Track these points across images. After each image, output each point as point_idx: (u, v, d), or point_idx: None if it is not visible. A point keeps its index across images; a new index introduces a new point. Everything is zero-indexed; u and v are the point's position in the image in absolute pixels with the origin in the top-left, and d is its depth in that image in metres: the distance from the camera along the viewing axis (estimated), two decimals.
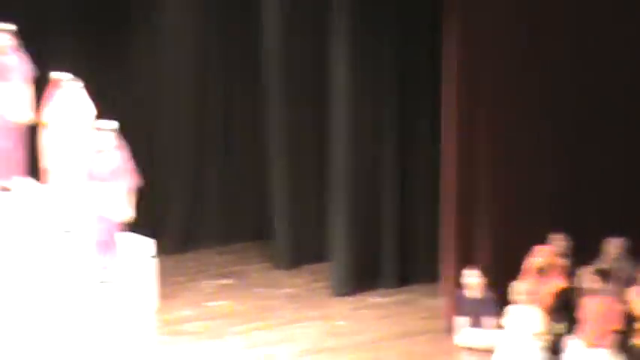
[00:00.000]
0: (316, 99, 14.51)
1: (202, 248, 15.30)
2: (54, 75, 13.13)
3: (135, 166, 12.75)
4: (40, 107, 13.15)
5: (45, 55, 13.93)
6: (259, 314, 13.23)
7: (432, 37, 13.44)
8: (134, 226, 13.09)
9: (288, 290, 14.00)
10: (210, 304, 13.56)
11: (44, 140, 13.17)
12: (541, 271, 11.68)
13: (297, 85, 14.65)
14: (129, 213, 12.54)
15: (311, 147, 14.67)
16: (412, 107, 13.85)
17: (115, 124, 12.58)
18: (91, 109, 13.18)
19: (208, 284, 14.24)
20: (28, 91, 13.42)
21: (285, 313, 13.25)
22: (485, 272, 12.19)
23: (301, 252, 14.76)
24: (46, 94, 13.12)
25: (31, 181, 13.86)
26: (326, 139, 14.02)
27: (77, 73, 13.32)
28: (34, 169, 13.72)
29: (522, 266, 11.82)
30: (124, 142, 12.70)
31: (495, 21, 12.33)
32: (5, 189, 13.42)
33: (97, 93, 13.46)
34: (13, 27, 13.36)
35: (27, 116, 13.38)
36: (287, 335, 12.53)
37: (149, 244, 13.27)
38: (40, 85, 13.51)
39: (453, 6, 12.38)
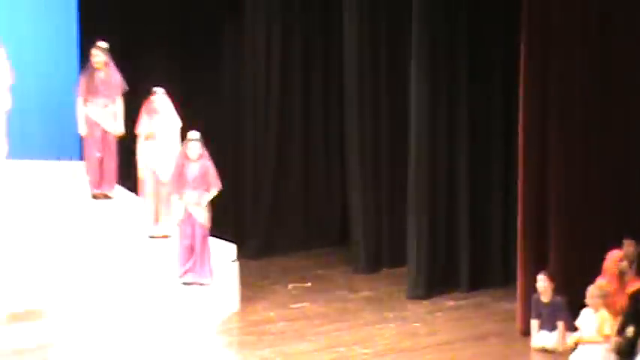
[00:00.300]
0: (394, 107, 14.49)
1: (285, 253, 15.27)
2: (151, 89, 13.35)
3: (219, 173, 12.97)
4: (138, 119, 13.39)
5: (136, 70, 14.09)
6: (339, 316, 13.14)
7: (506, 41, 13.33)
8: (218, 231, 13.30)
9: (366, 293, 13.93)
10: (292, 306, 13.54)
11: (140, 151, 13.42)
12: (622, 275, 11.60)
13: (376, 94, 14.64)
14: (210, 218, 12.81)
15: (389, 154, 14.62)
16: (486, 113, 13.77)
17: (199, 134, 12.85)
18: (178, 120, 13.42)
19: (291, 287, 14.21)
20: (121, 105, 13.72)
21: (363, 314, 13.16)
22: (558, 275, 12.05)
23: (379, 257, 14.72)
24: (143, 107, 13.36)
25: (123, 189, 14.17)
26: (404, 147, 13.96)
27: (166, 87, 13.49)
28: (128, 179, 14.00)
29: (601, 269, 11.67)
30: (209, 151, 12.95)
31: (570, 22, 12.13)
32: (106, 196, 13.77)
33: (184, 105, 13.61)
34: (106, 45, 13.64)
35: (120, 128, 13.66)
36: (365, 336, 12.45)
37: (231, 249, 13.48)
38: (132, 99, 13.73)
39: (531, 9, 12.16)
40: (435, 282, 13.75)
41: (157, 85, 13.37)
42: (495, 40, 13.59)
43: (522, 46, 12.24)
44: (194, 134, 12.83)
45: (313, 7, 15.51)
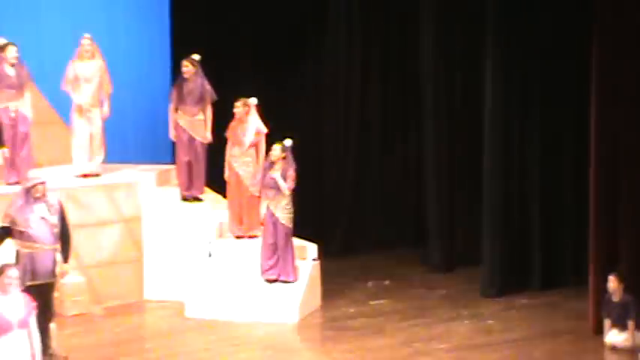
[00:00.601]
0: (468, 111, 14.60)
1: (364, 253, 15.39)
2: (240, 98, 13.53)
3: (303, 177, 13.21)
4: (230, 127, 13.57)
5: (225, 79, 14.21)
6: (416, 312, 13.23)
7: (579, 49, 13.33)
8: (301, 231, 13.47)
9: (442, 291, 14.04)
10: (371, 302, 13.65)
11: (228, 155, 13.61)
12: None
13: (452, 100, 14.77)
14: (292, 219, 12.98)
15: (464, 156, 14.72)
16: (557, 116, 13.79)
17: (288, 142, 13.10)
18: (263, 127, 13.58)
19: (370, 285, 14.32)
20: (210, 114, 13.89)
21: (439, 312, 13.25)
22: (630, 275, 12.01)
23: (454, 257, 14.84)
24: (235, 115, 13.54)
25: (210, 192, 14.35)
26: (478, 149, 14.02)
27: (252, 95, 13.66)
28: (217, 182, 14.14)
29: None
30: (293, 155, 13.16)
31: None
32: (196, 199, 13.99)
33: (269, 112, 13.73)
34: (198, 56, 13.81)
35: (208, 136, 13.86)
36: (441, 332, 12.53)
37: (313, 248, 13.65)
38: (221, 106, 13.89)
39: (605, 15, 12.16)
40: (509, 281, 13.80)
41: (244, 94, 13.59)
42: (569, 48, 13.66)
43: (595, 48, 12.27)
44: (287, 142, 13.07)
45: (391, 20, 15.68)
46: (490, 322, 12.88)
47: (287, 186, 13.06)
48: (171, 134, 13.94)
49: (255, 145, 13.58)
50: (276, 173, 13.07)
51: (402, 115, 15.90)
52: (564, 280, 13.92)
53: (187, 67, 13.73)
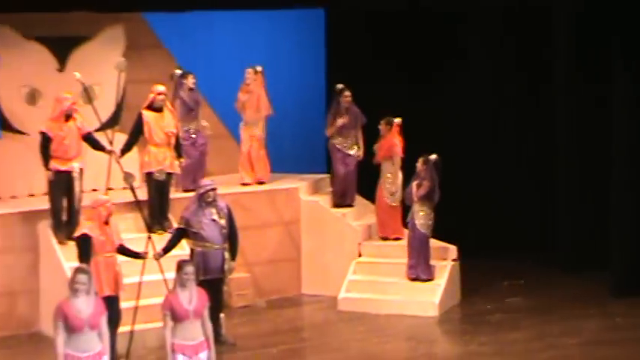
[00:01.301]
0: (596, 117, 14.35)
1: (500, 254, 15.09)
2: (386, 118, 13.65)
3: (442, 186, 13.22)
4: (378, 144, 13.74)
5: (373, 102, 14.19)
6: (548, 310, 13.11)
7: None
8: (443, 234, 13.52)
9: (572, 290, 13.84)
10: (507, 300, 13.58)
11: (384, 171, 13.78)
12: None
13: (580, 107, 14.57)
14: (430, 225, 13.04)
15: (592, 160, 14.44)
16: None
17: (433, 155, 13.16)
18: (399, 149, 13.65)
19: (506, 284, 14.23)
20: (361, 134, 14.05)
21: (569, 309, 13.09)
22: None
23: (584, 258, 14.56)
24: (381, 132, 13.73)
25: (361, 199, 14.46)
26: (606, 154, 13.82)
27: (397, 116, 13.74)
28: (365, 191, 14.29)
29: None
30: (435, 168, 13.16)
31: None
32: (348, 205, 14.17)
33: (413, 129, 13.76)
34: (340, 86, 13.98)
35: (360, 153, 14.01)
36: (571, 328, 12.38)
37: (453, 250, 13.59)
38: (370, 127, 14.03)
39: None
40: (637, 282, 13.55)
41: (392, 115, 13.70)
42: None
43: None
44: (432, 156, 13.13)
45: (524, 42, 15.56)
46: (618, 319, 12.74)
47: (418, 194, 13.09)
48: (328, 149, 14.16)
49: (397, 159, 13.68)
50: (413, 183, 13.20)
51: (533, 124, 15.73)
52: None
53: (347, 98, 13.97)
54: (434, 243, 13.44)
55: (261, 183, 14.18)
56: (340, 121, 13.96)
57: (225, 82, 14.50)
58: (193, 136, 13.71)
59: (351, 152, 14.07)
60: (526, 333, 12.35)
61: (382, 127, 13.66)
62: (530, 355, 11.63)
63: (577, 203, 14.74)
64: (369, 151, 13.98)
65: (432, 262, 13.33)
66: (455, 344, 12.48)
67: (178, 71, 13.78)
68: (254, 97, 14.12)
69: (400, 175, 13.61)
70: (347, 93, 13.96)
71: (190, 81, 13.66)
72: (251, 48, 15.20)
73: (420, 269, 13.24)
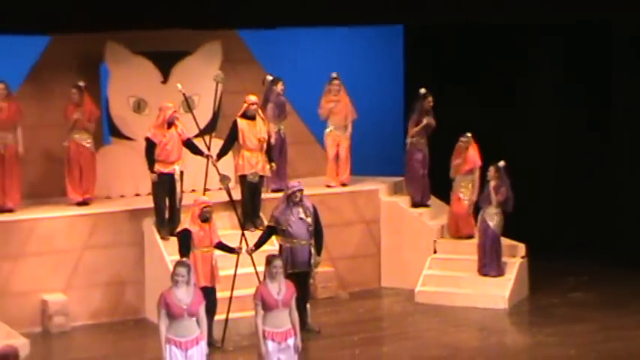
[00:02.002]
0: None
1: (565, 252, 14.98)
2: (467, 135, 13.59)
3: (512, 191, 13.21)
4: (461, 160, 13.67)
5: (450, 111, 14.21)
6: (611, 304, 13.02)
7: None
8: (513, 233, 13.51)
9: (635, 287, 13.63)
10: (571, 295, 13.53)
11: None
12: None
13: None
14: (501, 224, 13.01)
15: None
16: None
17: (501, 162, 13.17)
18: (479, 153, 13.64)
19: (571, 280, 14.11)
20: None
21: (631, 304, 12.93)
22: None
23: None
24: (461, 150, 13.63)
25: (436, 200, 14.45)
26: None
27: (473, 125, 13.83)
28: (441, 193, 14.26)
29: None
30: (507, 175, 13.22)
31: None
32: (424, 205, 14.14)
33: (486, 138, 13.75)
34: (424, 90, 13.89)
35: None
36: (633, 322, 12.24)
37: (522, 248, 13.58)
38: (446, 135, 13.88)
39: None
40: None
41: (467, 123, 13.79)
42: None
43: None
44: (500, 163, 13.12)
45: (591, 67, 15.48)
46: None
47: (497, 199, 13.10)
48: (407, 153, 14.11)
49: (477, 169, 13.62)
50: (490, 188, 13.17)
51: (599, 133, 15.60)
52: None
53: (430, 103, 13.91)
54: (504, 241, 13.41)
55: (344, 185, 14.26)
56: (426, 120, 13.88)
57: (309, 92, 14.47)
58: (282, 135, 13.80)
59: (427, 153, 14.02)
60: (589, 325, 12.30)
61: (461, 143, 13.62)
62: (593, 346, 11.57)
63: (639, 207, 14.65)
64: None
65: (503, 259, 13.33)
66: (523, 334, 12.45)
67: (270, 77, 13.81)
68: (341, 104, 14.12)
69: (478, 182, 13.59)
70: (430, 98, 13.91)
71: (279, 87, 13.74)
72: (333, 60, 15.26)
73: (492, 267, 13.25)
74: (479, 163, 13.61)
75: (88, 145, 13.10)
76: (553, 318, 12.63)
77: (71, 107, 13.10)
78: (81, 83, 13.09)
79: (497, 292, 13.13)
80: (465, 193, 13.70)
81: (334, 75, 14.08)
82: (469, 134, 13.62)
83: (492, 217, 13.24)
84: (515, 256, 13.54)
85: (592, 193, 15.65)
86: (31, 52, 13.51)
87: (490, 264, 13.26)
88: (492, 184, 13.25)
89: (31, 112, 13.19)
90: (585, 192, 15.68)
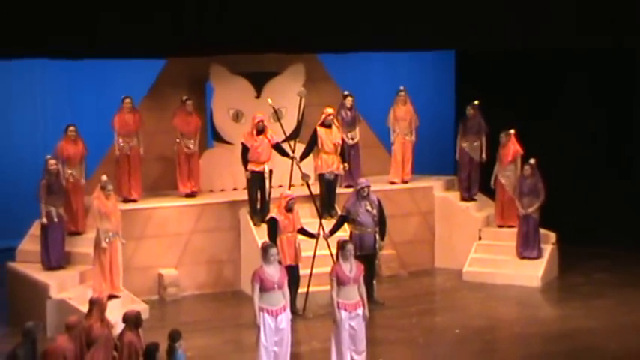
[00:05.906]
0: None
1: (592, 239, 14.54)
2: (505, 130, 13.39)
3: (549, 185, 13.03)
4: (502, 152, 13.46)
5: (495, 116, 13.86)
6: (630, 283, 12.71)
7: None
8: (547, 222, 13.31)
9: None
10: (594, 275, 13.32)
11: (497, 170, 13.58)
12: None
13: None
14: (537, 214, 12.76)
15: None
16: None
17: (532, 160, 12.98)
18: (520, 149, 13.47)
19: (594, 263, 13.83)
20: (484, 142, 13.67)
21: None
22: None
23: None
24: (504, 143, 13.42)
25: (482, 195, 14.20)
26: None
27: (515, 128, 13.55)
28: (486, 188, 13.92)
29: None
30: (539, 171, 13.04)
31: None
32: (472, 199, 13.93)
33: (526, 139, 13.54)
34: (477, 102, 13.59)
35: (484, 158, 13.70)
36: None
37: (553, 235, 13.42)
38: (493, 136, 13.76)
39: None
40: None
41: (509, 127, 13.51)
42: None
43: None
44: (531, 160, 13.00)
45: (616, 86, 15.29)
46: None
47: (540, 194, 12.94)
48: (457, 155, 13.95)
49: (514, 162, 13.48)
50: (529, 184, 12.93)
51: (627, 135, 15.44)
52: None
53: (470, 111, 13.76)
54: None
55: (405, 182, 14.21)
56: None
57: (377, 104, 14.50)
58: (350, 141, 13.74)
59: (476, 157, 13.80)
60: (611, 301, 12.18)
61: (503, 138, 13.39)
62: (614, 318, 11.53)
63: None
64: (490, 156, 13.72)
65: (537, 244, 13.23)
66: (553, 308, 12.42)
67: (346, 92, 13.83)
68: (407, 113, 13.93)
69: (519, 171, 13.29)
70: (469, 108, 13.69)
71: (348, 101, 13.73)
72: (397, 78, 15.17)
73: (530, 250, 13.11)
74: (520, 152, 13.31)
75: (192, 148, 13.32)
76: (579, 294, 12.56)
77: (181, 117, 13.30)
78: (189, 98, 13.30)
79: (532, 273, 13.05)
80: (507, 182, 13.44)
81: (401, 87, 13.99)
82: (511, 131, 13.37)
83: (532, 207, 12.97)
84: (547, 243, 13.43)
85: (618, 187, 15.30)
86: (150, 72, 13.83)
87: (529, 248, 13.09)
88: (529, 180, 13.05)
89: (150, 121, 13.48)
90: (613, 187, 15.31)
